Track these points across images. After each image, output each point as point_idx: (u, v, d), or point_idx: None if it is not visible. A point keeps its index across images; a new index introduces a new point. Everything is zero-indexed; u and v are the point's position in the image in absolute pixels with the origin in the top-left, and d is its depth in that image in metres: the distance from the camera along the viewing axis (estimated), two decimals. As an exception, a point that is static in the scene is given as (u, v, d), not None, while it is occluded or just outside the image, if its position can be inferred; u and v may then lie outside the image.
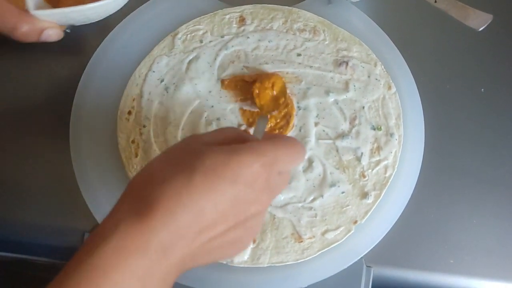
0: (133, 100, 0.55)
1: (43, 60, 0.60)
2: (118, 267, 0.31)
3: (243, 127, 0.53)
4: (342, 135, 0.53)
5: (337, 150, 0.53)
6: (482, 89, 0.57)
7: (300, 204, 0.51)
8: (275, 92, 0.53)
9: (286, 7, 0.59)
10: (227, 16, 0.58)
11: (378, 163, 0.52)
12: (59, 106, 0.57)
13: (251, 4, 0.59)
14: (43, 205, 0.54)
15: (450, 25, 0.54)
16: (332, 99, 0.54)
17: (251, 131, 0.53)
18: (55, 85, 0.59)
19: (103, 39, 0.58)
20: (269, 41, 0.57)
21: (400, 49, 0.57)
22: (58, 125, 0.56)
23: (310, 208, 0.51)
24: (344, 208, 0.51)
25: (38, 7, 0.49)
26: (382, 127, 0.53)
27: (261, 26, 0.58)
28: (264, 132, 0.46)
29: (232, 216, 0.34)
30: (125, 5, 0.54)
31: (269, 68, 0.55)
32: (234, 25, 0.58)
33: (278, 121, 0.53)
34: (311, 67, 0.56)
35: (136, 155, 0.53)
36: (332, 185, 0.51)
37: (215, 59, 0.56)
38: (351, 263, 0.50)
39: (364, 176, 0.52)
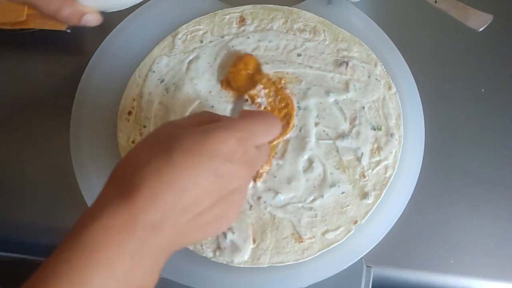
0: (133, 100, 0.55)
1: (43, 60, 0.60)
2: (107, 244, 0.32)
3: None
4: (342, 135, 0.53)
5: (337, 150, 0.53)
6: (482, 89, 0.57)
7: (300, 204, 0.51)
8: (249, 71, 0.54)
9: (286, 7, 0.59)
10: (227, 16, 0.58)
11: (378, 163, 0.52)
12: (59, 106, 0.57)
13: (251, 4, 0.59)
14: (43, 205, 0.54)
15: (450, 25, 0.54)
16: (332, 99, 0.54)
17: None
18: (55, 85, 0.59)
19: (103, 39, 0.58)
20: (269, 41, 0.57)
21: (400, 49, 0.57)
22: (58, 125, 0.56)
23: (310, 208, 0.51)
24: (344, 208, 0.51)
25: None
26: (382, 127, 0.53)
27: (261, 26, 0.58)
28: (240, 111, 0.47)
29: (215, 191, 0.35)
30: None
31: (269, 68, 0.55)
32: (234, 25, 0.58)
33: (278, 121, 0.53)
34: (311, 67, 0.56)
35: (136, 155, 0.53)
36: (332, 185, 0.51)
37: (215, 59, 0.56)
38: (351, 263, 0.49)
39: (364, 176, 0.52)
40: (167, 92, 0.55)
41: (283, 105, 0.54)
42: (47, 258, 0.33)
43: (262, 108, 0.53)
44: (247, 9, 0.59)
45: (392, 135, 0.53)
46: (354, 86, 0.55)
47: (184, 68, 0.56)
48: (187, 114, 0.54)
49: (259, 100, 0.53)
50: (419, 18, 0.60)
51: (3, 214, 0.54)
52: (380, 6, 0.60)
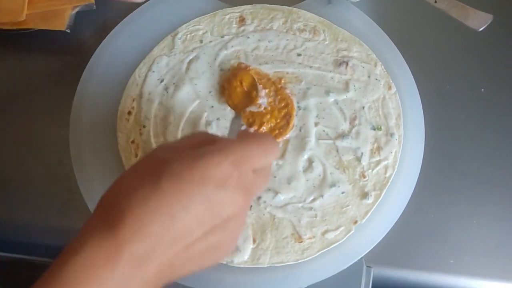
0: (133, 100, 0.55)
1: (43, 60, 0.60)
2: (88, 281, 0.30)
3: (243, 128, 0.53)
4: (342, 135, 0.53)
5: (337, 150, 0.53)
6: (482, 89, 0.57)
7: (300, 204, 0.51)
8: (245, 88, 0.53)
9: (286, 7, 0.59)
10: (227, 16, 0.58)
11: (378, 163, 0.52)
12: (59, 106, 0.57)
13: (251, 4, 0.59)
14: (43, 205, 0.54)
15: (450, 25, 0.54)
16: (332, 99, 0.54)
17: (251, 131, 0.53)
18: (55, 85, 0.59)
19: (103, 39, 0.58)
20: (269, 41, 0.57)
21: (400, 49, 0.57)
22: (58, 125, 0.56)
23: (310, 208, 0.51)
24: (344, 208, 0.51)
25: None
26: (382, 127, 0.53)
27: (261, 26, 0.58)
28: (238, 130, 0.45)
29: (207, 220, 0.33)
30: (125, 5, 0.54)
31: (269, 68, 0.55)
32: (234, 25, 0.58)
33: (278, 121, 0.53)
34: (311, 67, 0.56)
35: (136, 155, 0.53)
36: (332, 185, 0.51)
37: (215, 59, 0.56)
38: (351, 263, 0.49)
39: (364, 176, 0.52)
40: (167, 92, 0.55)
41: (283, 105, 0.54)
42: None
43: (262, 108, 0.53)
44: (247, 9, 0.59)
45: (392, 135, 0.53)
46: (354, 86, 0.55)
47: (184, 68, 0.56)
48: (186, 114, 0.54)
49: (260, 101, 0.53)
50: (419, 18, 0.60)
51: (3, 214, 0.54)
52: (380, 6, 0.60)
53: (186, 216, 0.32)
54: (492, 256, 0.51)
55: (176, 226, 0.32)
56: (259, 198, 0.51)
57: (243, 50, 0.57)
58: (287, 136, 0.53)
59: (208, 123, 0.54)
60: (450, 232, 0.51)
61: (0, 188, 0.55)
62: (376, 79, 0.55)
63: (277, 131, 0.53)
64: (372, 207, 0.51)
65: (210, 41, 0.57)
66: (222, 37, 0.57)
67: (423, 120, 0.54)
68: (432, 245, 0.51)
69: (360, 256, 0.50)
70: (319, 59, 0.56)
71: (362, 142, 0.53)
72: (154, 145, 0.53)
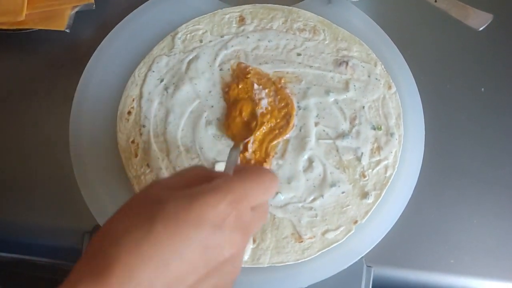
0: (133, 100, 0.55)
1: (42, 60, 0.60)
2: None
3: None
4: (342, 135, 0.53)
5: (337, 150, 0.53)
6: (482, 89, 0.57)
7: (300, 204, 0.51)
8: (245, 118, 0.52)
9: (286, 6, 0.58)
10: (227, 16, 0.58)
11: (378, 163, 0.52)
12: (59, 106, 0.57)
13: (251, 3, 0.59)
14: (43, 205, 0.54)
15: (450, 24, 0.54)
16: (332, 99, 0.54)
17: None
18: (54, 85, 0.59)
19: (102, 39, 0.58)
20: (269, 41, 0.57)
21: (400, 49, 0.57)
22: (58, 125, 0.56)
23: (310, 208, 0.51)
24: (345, 208, 0.51)
25: None
26: (382, 127, 0.53)
27: (260, 25, 0.58)
28: (236, 163, 0.42)
29: (203, 265, 0.31)
30: (125, 5, 0.53)
31: (268, 68, 0.55)
32: (234, 25, 0.58)
33: (278, 121, 0.53)
34: (311, 66, 0.56)
35: (136, 155, 0.53)
36: (333, 185, 0.51)
37: (215, 59, 0.56)
38: (352, 263, 0.50)
39: (365, 176, 0.52)
40: (167, 92, 0.55)
41: (283, 104, 0.54)
42: None
43: (263, 109, 0.53)
44: (246, 8, 0.58)
45: (392, 134, 0.53)
46: (354, 86, 0.55)
47: (184, 67, 0.56)
48: (186, 114, 0.54)
49: (262, 103, 0.53)
50: (419, 17, 0.60)
51: (3, 214, 0.54)
52: (380, 5, 0.60)
53: (180, 262, 0.30)
54: (492, 256, 0.51)
55: (169, 273, 0.30)
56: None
57: (243, 50, 0.57)
58: (287, 136, 0.53)
59: (208, 123, 0.54)
60: (450, 232, 0.51)
61: (0, 188, 0.55)
62: (376, 79, 0.55)
63: (277, 131, 0.53)
64: (372, 207, 0.51)
65: (210, 41, 0.57)
66: (222, 36, 0.57)
67: (423, 120, 0.54)
68: (432, 245, 0.51)
69: (361, 256, 0.50)
70: (319, 59, 0.56)
71: (362, 142, 0.53)
72: (154, 145, 0.53)
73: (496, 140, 0.55)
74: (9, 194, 0.55)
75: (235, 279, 0.35)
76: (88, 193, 0.52)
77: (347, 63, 0.55)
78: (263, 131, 0.53)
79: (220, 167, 0.52)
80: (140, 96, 0.55)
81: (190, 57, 0.57)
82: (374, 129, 0.53)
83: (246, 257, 0.49)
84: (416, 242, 0.51)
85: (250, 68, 0.55)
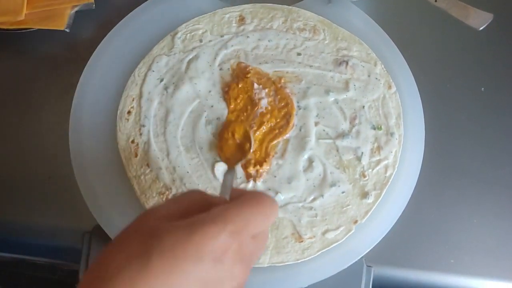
0: (133, 100, 0.55)
1: (42, 59, 0.60)
2: None
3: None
4: (342, 135, 0.53)
5: (337, 150, 0.53)
6: (482, 89, 0.57)
7: (300, 204, 0.51)
8: (238, 141, 0.52)
9: (286, 6, 0.58)
10: (227, 16, 0.58)
11: (378, 162, 0.52)
12: (58, 106, 0.57)
13: (251, 3, 0.59)
14: (43, 205, 0.54)
15: (450, 24, 0.54)
16: (332, 99, 0.54)
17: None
18: (54, 84, 0.59)
19: (102, 38, 0.58)
20: (269, 41, 0.57)
21: (400, 49, 0.57)
22: (58, 125, 0.56)
23: (311, 208, 0.51)
24: (345, 208, 0.51)
25: None
26: (382, 127, 0.53)
27: (260, 25, 0.58)
28: (231, 187, 0.40)
29: None
30: (125, 4, 0.53)
31: (268, 68, 0.55)
32: (234, 25, 0.58)
33: (278, 120, 0.53)
34: (311, 66, 0.56)
35: (136, 155, 0.53)
36: (333, 184, 0.51)
37: (215, 58, 0.56)
38: (352, 263, 0.50)
39: (365, 176, 0.52)
40: (167, 92, 0.55)
41: (283, 104, 0.54)
42: None
43: (263, 108, 0.53)
44: (246, 8, 0.58)
45: (392, 134, 0.53)
46: (354, 85, 0.55)
47: (184, 67, 0.56)
48: (186, 113, 0.54)
49: (262, 103, 0.53)
50: (419, 17, 0.60)
51: (3, 214, 0.54)
52: (380, 5, 0.60)
53: None
54: (492, 255, 0.51)
55: None
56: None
57: (243, 50, 0.56)
58: (287, 135, 0.53)
59: (208, 123, 0.54)
60: (450, 232, 0.52)
61: (0, 188, 0.55)
62: (376, 79, 0.55)
63: (277, 131, 0.53)
64: (372, 207, 0.51)
65: (210, 41, 0.57)
66: (221, 36, 0.57)
67: (423, 120, 0.54)
68: (432, 245, 0.51)
69: (361, 256, 0.50)
70: (319, 58, 0.56)
71: (362, 142, 0.53)
72: (154, 145, 0.53)
73: (496, 140, 0.55)
74: (9, 194, 0.55)
75: None
76: (88, 193, 0.52)
77: (347, 63, 0.55)
78: (263, 130, 0.53)
79: (220, 167, 0.52)
80: (140, 95, 0.55)
81: (190, 56, 0.56)
82: (374, 129, 0.53)
83: (246, 257, 0.49)
84: (416, 242, 0.51)
85: (250, 67, 0.55)
